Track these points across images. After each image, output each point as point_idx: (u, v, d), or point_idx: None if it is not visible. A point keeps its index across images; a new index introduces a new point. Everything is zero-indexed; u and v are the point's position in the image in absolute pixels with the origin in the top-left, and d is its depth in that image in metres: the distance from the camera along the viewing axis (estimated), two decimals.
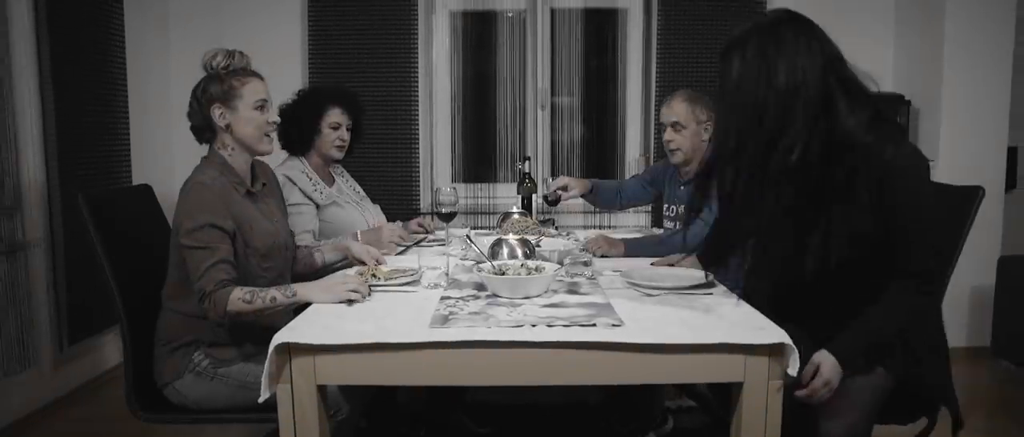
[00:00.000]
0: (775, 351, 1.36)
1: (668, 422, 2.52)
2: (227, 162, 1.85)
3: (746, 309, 1.56)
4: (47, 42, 2.75)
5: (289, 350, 1.37)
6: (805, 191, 1.47)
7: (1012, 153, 3.88)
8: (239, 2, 3.75)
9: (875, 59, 3.81)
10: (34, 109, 2.71)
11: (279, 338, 1.37)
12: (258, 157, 1.92)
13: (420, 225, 2.62)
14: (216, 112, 1.81)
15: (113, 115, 3.20)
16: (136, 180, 3.30)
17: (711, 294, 1.70)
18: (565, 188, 2.60)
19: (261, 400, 1.41)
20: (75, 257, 2.89)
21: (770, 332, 1.37)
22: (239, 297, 1.67)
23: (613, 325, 1.40)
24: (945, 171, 3.48)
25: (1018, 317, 3.09)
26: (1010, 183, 3.91)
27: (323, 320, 1.48)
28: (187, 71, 3.70)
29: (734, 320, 1.47)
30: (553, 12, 3.83)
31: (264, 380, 1.40)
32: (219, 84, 1.82)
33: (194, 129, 1.88)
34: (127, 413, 2.69)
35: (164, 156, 3.61)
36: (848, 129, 1.43)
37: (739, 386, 1.38)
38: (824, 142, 1.43)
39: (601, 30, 3.92)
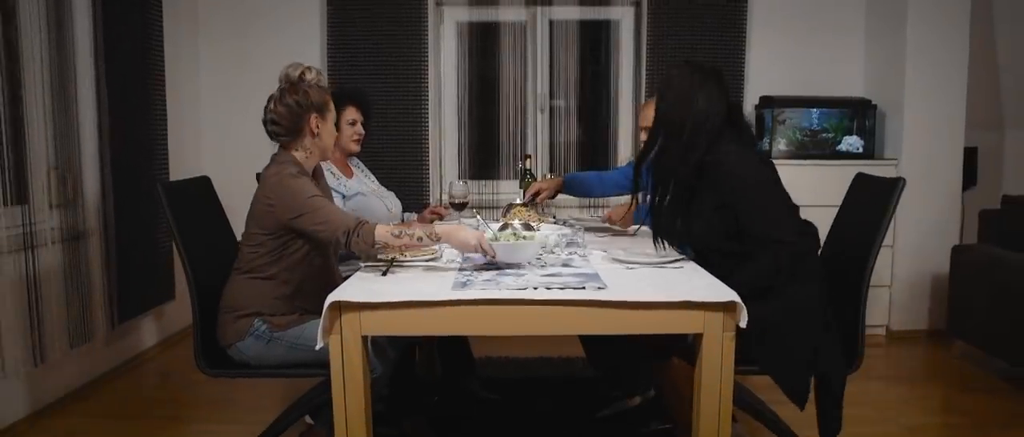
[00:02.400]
0: (728, 308, 1.70)
1: (652, 389, 2.86)
2: (300, 162, 2.17)
3: (708, 277, 1.91)
4: (103, 56, 3.10)
5: (340, 307, 1.72)
6: (688, 186, 2.09)
7: (973, 153, 4.24)
8: (263, 17, 4.10)
9: (847, 66, 4.18)
10: (91, 113, 3.06)
11: (332, 297, 1.71)
12: (322, 162, 2.27)
13: (433, 212, 2.95)
14: (313, 120, 2.14)
15: (153, 116, 3.53)
16: (173, 174, 3.65)
17: (681, 268, 2.05)
18: (537, 194, 2.95)
19: (317, 348, 1.75)
20: (124, 245, 3.23)
21: (724, 293, 1.72)
22: (388, 230, 1.99)
23: (598, 288, 1.75)
24: (908, 169, 3.83)
25: (968, 299, 3.43)
26: (972, 180, 4.26)
27: (366, 285, 1.82)
28: (215, 79, 4.09)
29: (696, 285, 1.82)
30: (551, 23, 4.17)
31: (319, 332, 1.74)
32: (318, 95, 2.15)
33: (279, 130, 2.14)
34: (171, 384, 3.10)
35: (194, 152, 3.97)
36: (720, 152, 2.04)
37: (699, 336, 1.73)
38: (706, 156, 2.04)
39: (595, 40, 4.25)
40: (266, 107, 2.15)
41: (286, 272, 2.14)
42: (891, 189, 2.08)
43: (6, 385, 2.61)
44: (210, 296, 2.20)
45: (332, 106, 2.19)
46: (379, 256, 2.16)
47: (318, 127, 2.14)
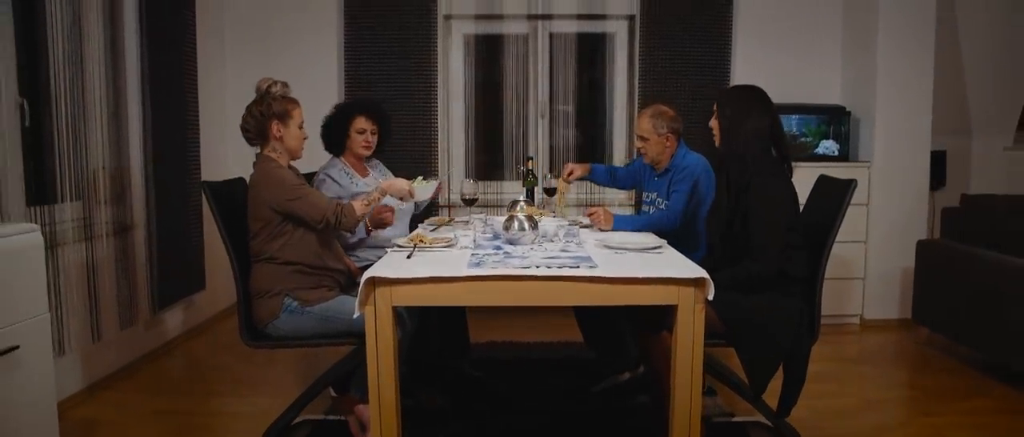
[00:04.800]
0: (698, 283, 2.04)
1: (640, 366, 3.18)
2: (277, 160, 2.54)
3: (682, 259, 2.24)
4: (148, 73, 3.44)
5: (374, 282, 2.05)
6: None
7: (942, 156, 4.58)
8: (284, 33, 4.45)
9: (825, 76, 4.52)
10: (137, 121, 3.40)
11: (368, 274, 2.04)
12: (292, 161, 2.62)
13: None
14: (274, 126, 2.51)
15: (187, 124, 3.88)
16: (205, 174, 3.99)
17: (662, 253, 2.39)
18: (571, 172, 3.29)
19: (355, 316, 2.08)
20: (164, 238, 3.57)
21: (695, 270, 2.05)
22: (360, 203, 2.52)
23: (591, 267, 2.09)
24: (879, 171, 4.17)
25: (931, 289, 3.76)
26: (941, 181, 4.60)
27: (396, 265, 2.15)
28: (240, 91, 4.43)
29: (673, 265, 2.15)
30: (551, 36, 4.50)
31: (356, 304, 2.07)
32: (279, 105, 2.53)
33: (249, 135, 2.55)
34: (203, 364, 3.43)
35: (221, 155, 4.31)
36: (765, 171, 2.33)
37: (674, 307, 2.06)
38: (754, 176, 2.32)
39: (592, 51, 4.59)
40: (243, 116, 2.56)
41: (292, 250, 2.49)
42: (845, 189, 2.42)
43: (70, 359, 2.94)
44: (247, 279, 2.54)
45: (295, 113, 2.56)
46: (398, 243, 2.51)
47: (280, 131, 2.53)
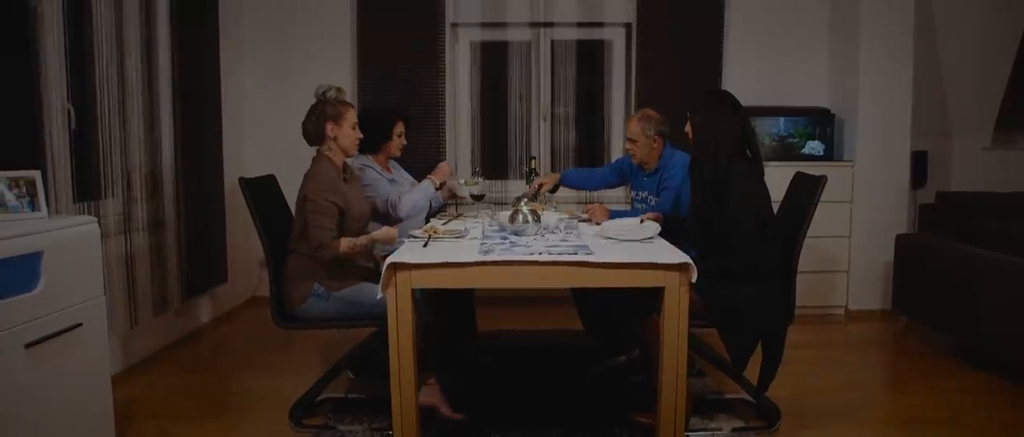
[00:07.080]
0: (683, 268, 2.29)
1: (635, 349, 3.43)
2: (331, 159, 2.80)
3: (670, 247, 2.50)
4: (178, 84, 3.70)
5: (396, 267, 2.31)
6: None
7: (923, 156, 4.82)
8: (300, 40, 4.69)
9: (813, 80, 4.76)
10: (169, 127, 3.66)
11: (390, 260, 2.30)
12: (347, 158, 2.88)
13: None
14: (329, 126, 2.77)
15: (211, 129, 4.15)
16: (227, 174, 4.25)
17: (653, 242, 2.64)
18: (541, 185, 3.56)
19: (378, 298, 2.34)
20: (191, 233, 3.83)
21: (680, 256, 2.31)
22: (346, 243, 2.67)
23: (587, 254, 2.34)
24: (862, 170, 4.42)
25: (908, 279, 4.01)
26: (923, 180, 4.84)
27: (414, 252, 2.40)
28: (258, 95, 4.64)
29: (660, 252, 2.41)
30: (553, 42, 4.75)
31: (379, 286, 2.33)
32: (333, 109, 2.78)
33: (308, 134, 2.83)
34: (228, 350, 3.68)
35: (241, 157, 4.56)
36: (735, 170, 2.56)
37: (662, 289, 2.32)
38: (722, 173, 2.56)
39: (591, 57, 4.83)
40: (304, 119, 2.83)
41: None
42: (816, 184, 2.67)
43: (111, 343, 3.18)
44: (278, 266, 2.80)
45: (348, 115, 2.82)
46: (414, 234, 2.77)
47: (334, 132, 2.80)
